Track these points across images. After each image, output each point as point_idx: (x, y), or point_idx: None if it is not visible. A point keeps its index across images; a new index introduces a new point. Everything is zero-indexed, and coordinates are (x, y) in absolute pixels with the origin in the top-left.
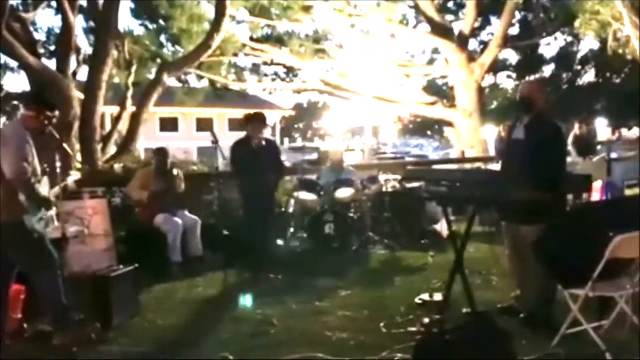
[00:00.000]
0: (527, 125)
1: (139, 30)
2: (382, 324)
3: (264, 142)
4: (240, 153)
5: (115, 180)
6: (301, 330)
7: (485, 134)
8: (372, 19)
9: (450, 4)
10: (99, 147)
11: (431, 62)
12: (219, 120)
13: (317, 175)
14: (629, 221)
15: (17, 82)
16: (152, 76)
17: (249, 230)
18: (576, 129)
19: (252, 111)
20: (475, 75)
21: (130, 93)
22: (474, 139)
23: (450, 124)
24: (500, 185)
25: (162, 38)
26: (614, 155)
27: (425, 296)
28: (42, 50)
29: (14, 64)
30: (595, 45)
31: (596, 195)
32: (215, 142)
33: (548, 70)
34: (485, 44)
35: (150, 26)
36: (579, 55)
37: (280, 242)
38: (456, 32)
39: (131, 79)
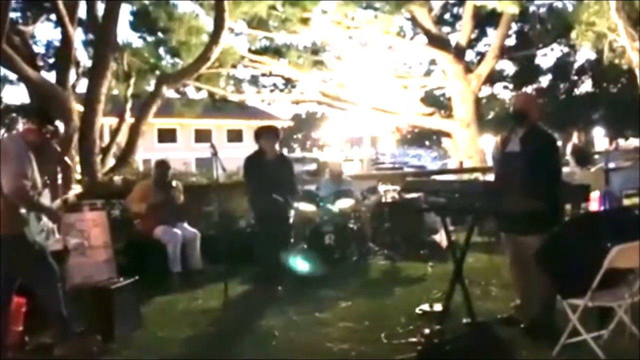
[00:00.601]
0: (522, 137)
1: (138, 43)
2: (382, 335)
3: (276, 156)
4: (253, 167)
5: (115, 192)
6: (302, 342)
7: (482, 144)
8: (370, 30)
9: (447, 16)
10: (98, 159)
11: (428, 73)
12: (218, 131)
13: (316, 186)
14: (627, 231)
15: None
16: (150, 88)
17: (262, 245)
18: (574, 139)
19: (252, 122)
20: (472, 85)
21: (129, 105)
22: (471, 149)
23: (448, 135)
24: (499, 195)
25: (161, 50)
26: (611, 165)
27: (425, 306)
28: (41, 63)
29: (13, 76)
30: (592, 56)
31: (594, 205)
32: (215, 153)
33: (545, 81)
34: (481, 55)
35: (149, 38)
36: (576, 66)
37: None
38: (453, 44)
39: (130, 91)
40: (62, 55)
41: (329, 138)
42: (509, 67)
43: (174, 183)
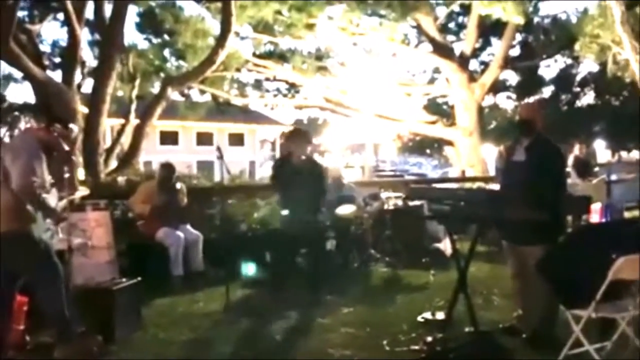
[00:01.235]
0: (527, 146)
1: (143, 44)
2: (384, 342)
3: (305, 160)
4: (281, 171)
5: (118, 192)
6: (304, 347)
7: (484, 154)
8: (374, 37)
9: (452, 25)
10: (102, 159)
11: (432, 81)
12: (219, 134)
13: None
14: (631, 242)
15: (19, 93)
16: (154, 90)
17: (287, 251)
18: (576, 150)
19: (253, 126)
20: (476, 95)
21: (133, 106)
22: (474, 158)
23: (450, 143)
24: (503, 205)
25: (166, 52)
26: (613, 177)
27: (428, 314)
28: (46, 62)
29: (17, 74)
30: (595, 68)
31: (595, 217)
32: (221, 156)
33: (547, 92)
34: (485, 64)
35: (155, 40)
36: (578, 77)
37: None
38: (457, 52)
39: (135, 93)
40: (69, 54)
41: (330, 144)
42: (512, 77)
43: (178, 185)
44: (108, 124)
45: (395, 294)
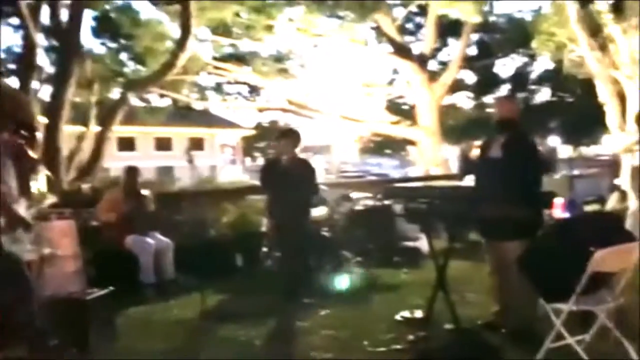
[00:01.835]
0: (504, 143)
1: (100, 49)
2: (365, 342)
3: (295, 160)
4: (270, 173)
5: (83, 200)
6: (285, 351)
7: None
8: (334, 39)
9: (410, 25)
10: (63, 167)
11: (392, 82)
12: (178, 139)
13: None
14: (609, 235)
15: None
16: (113, 95)
17: (283, 258)
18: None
19: (213, 131)
20: (436, 94)
21: (93, 112)
22: (437, 157)
23: (412, 143)
24: (482, 202)
25: (123, 57)
26: (575, 172)
27: (406, 313)
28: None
29: None
30: (550, 66)
31: (558, 212)
32: (191, 161)
33: (504, 90)
34: (444, 64)
35: (111, 45)
36: (534, 75)
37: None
38: (416, 53)
39: (94, 98)
40: (26, 61)
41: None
42: (468, 76)
43: (144, 191)
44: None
45: (371, 294)
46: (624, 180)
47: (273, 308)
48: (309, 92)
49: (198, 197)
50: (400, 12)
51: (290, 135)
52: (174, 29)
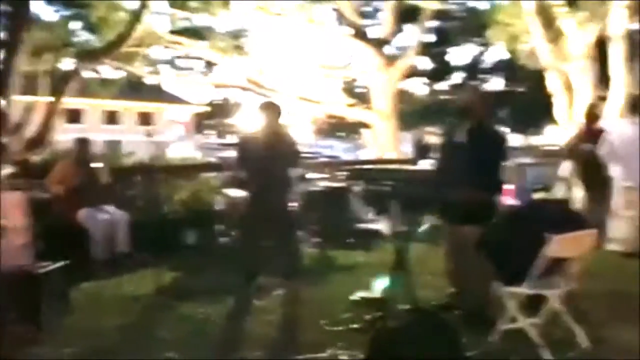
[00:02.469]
0: (469, 129)
1: (52, 17)
2: (324, 322)
3: (278, 136)
4: (249, 147)
5: (33, 172)
6: (244, 329)
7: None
8: (294, 18)
9: (369, 9)
10: (13, 138)
11: (348, 64)
12: (127, 113)
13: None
14: (564, 222)
15: None
16: (64, 65)
17: (253, 233)
18: None
19: (163, 106)
20: (393, 79)
21: (43, 82)
22: (391, 141)
23: (367, 126)
24: (443, 185)
25: (77, 25)
26: (525, 161)
27: (363, 293)
28: None
29: None
30: (504, 55)
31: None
32: (150, 135)
33: (458, 77)
34: (400, 50)
35: (64, 13)
36: (488, 64)
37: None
38: (374, 37)
39: (44, 68)
40: None
41: (245, 125)
42: (424, 63)
43: (97, 164)
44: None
45: (327, 274)
46: (570, 170)
47: (230, 286)
48: (266, 70)
49: (153, 173)
50: None
51: (273, 108)
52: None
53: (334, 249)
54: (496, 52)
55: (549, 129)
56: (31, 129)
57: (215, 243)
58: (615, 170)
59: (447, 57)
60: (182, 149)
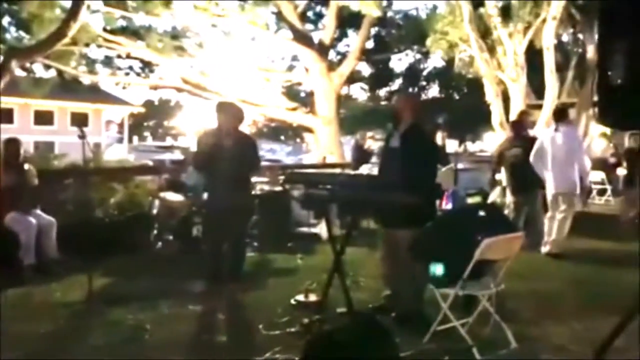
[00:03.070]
0: (402, 134)
1: None
2: (260, 325)
3: (235, 137)
4: (206, 147)
5: None
6: (177, 334)
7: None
8: (235, 20)
9: (310, 14)
10: None
11: (290, 68)
12: (60, 113)
13: (184, 175)
14: (495, 225)
15: None
16: None
17: (210, 237)
18: (438, 139)
19: (99, 106)
20: (335, 84)
21: None
22: (333, 145)
23: (309, 130)
24: (379, 189)
25: (4, 22)
26: (460, 166)
27: (301, 297)
28: None
29: None
30: (441, 63)
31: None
32: (83, 136)
33: (396, 84)
34: (342, 55)
35: None
36: (425, 72)
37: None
38: (315, 42)
39: None
40: None
41: (184, 127)
42: (364, 69)
43: (26, 166)
44: None
45: (266, 278)
46: (503, 176)
47: (164, 291)
48: (205, 72)
49: (85, 175)
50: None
51: (229, 108)
52: None
53: (273, 253)
54: (434, 60)
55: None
56: None
57: (150, 247)
58: (543, 176)
59: (387, 64)
60: (118, 150)
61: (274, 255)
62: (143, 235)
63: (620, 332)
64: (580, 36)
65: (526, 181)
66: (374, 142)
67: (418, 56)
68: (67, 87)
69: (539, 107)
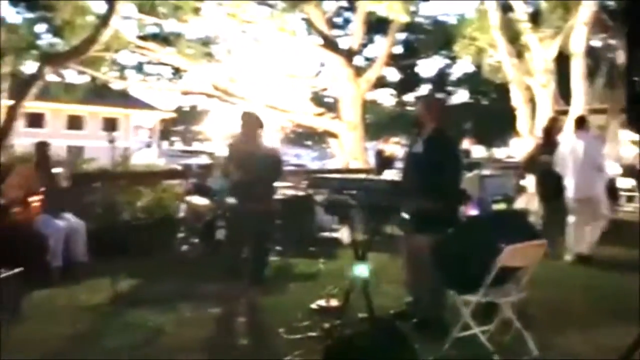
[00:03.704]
0: (425, 139)
1: (16, 19)
2: (281, 330)
3: (258, 144)
4: (235, 154)
5: None
6: (197, 337)
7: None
8: (264, 26)
9: (339, 20)
10: None
11: (317, 74)
12: (92, 119)
13: (210, 180)
14: (517, 232)
15: None
16: (26, 68)
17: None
18: (464, 145)
19: (129, 111)
20: (361, 89)
21: (4, 85)
22: (357, 151)
23: (334, 135)
24: (401, 195)
25: (41, 28)
26: (486, 172)
27: (322, 302)
28: None
29: None
30: (470, 69)
31: (468, 209)
32: (112, 141)
33: (425, 89)
34: (369, 60)
35: (28, 15)
36: (454, 77)
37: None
38: (343, 47)
39: (6, 70)
40: None
41: (212, 132)
42: (392, 74)
43: (55, 169)
44: None
45: (287, 282)
46: (529, 182)
47: (187, 294)
48: (234, 78)
49: (114, 179)
50: (330, 6)
51: (250, 119)
52: (96, 4)
53: (295, 257)
54: (462, 66)
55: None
56: None
57: (176, 250)
58: (566, 182)
59: (414, 69)
60: (147, 155)
61: (296, 260)
62: (169, 238)
63: None
64: (612, 42)
65: (555, 188)
66: (400, 147)
67: (446, 61)
68: (99, 93)
69: (567, 113)
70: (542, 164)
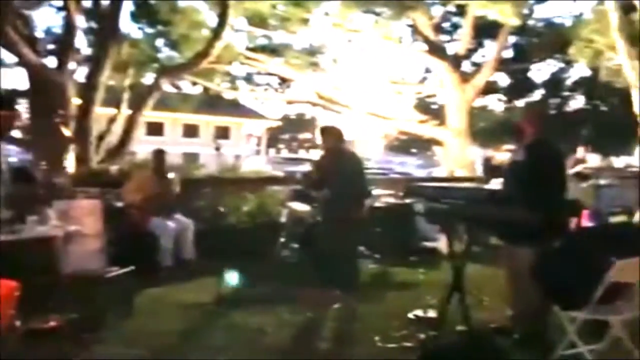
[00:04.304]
0: (526, 147)
1: (137, 34)
2: (376, 338)
3: (346, 154)
4: (319, 170)
5: (109, 181)
6: (297, 340)
7: (473, 155)
8: (369, 35)
9: (446, 25)
10: (93, 147)
11: (422, 80)
12: (205, 127)
13: None
14: (628, 246)
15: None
16: (146, 80)
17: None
18: (579, 154)
19: (240, 120)
20: (468, 95)
21: (126, 95)
22: (463, 159)
23: (439, 143)
24: (501, 204)
25: (159, 42)
26: (602, 182)
27: (419, 312)
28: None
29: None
30: (586, 73)
31: (582, 221)
32: (218, 148)
33: (537, 95)
34: (477, 65)
35: (148, 30)
36: (569, 82)
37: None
38: (450, 53)
39: (127, 82)
40: (65, 41)
41: (317, 140)
42: (502, 79)
43: (170, 175)
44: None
45: (385, 291)
46: None
47: (285, 298)
48: (339, 86)
49: (221, 185)
50: (437, 11)
51: (329, 132)
52: (210, 18)
53: (395, 266)
54: (578, 69)
55: (636, 149)
56: (111, 140)
57: (277, 254)
58: None
59: (526, 74)
60: (255, 162)
61: (396, 269)
62: (270, 243)
63: None
64: None
65: None
66: (506, 155)
67: (560, 65)
68: (211, 103)
69: None
70: None
